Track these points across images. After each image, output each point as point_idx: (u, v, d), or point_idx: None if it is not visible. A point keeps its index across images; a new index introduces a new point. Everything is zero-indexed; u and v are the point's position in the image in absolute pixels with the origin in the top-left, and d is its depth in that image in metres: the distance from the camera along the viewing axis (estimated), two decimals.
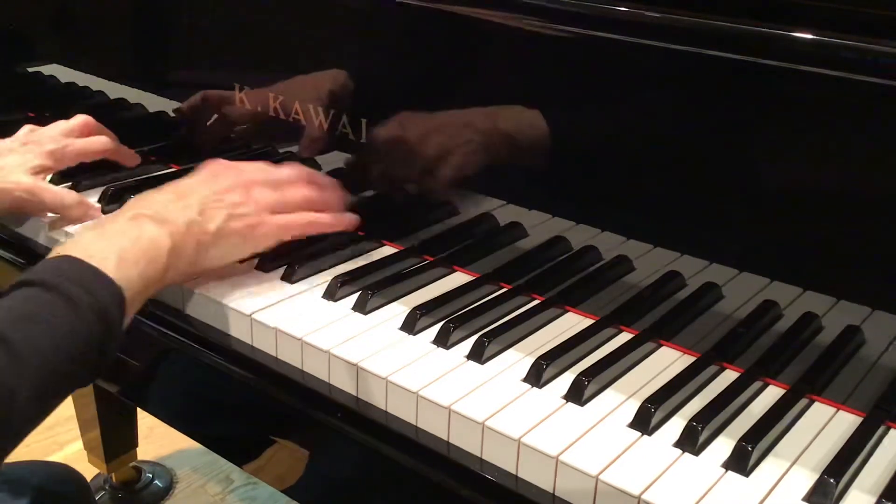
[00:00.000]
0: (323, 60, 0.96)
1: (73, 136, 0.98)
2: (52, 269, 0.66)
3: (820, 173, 0.70)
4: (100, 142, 0.99)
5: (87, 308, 0.63)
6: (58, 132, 0.98)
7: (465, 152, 0.87)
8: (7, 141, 0.96)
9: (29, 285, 0.63)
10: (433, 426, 0.67)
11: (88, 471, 1.59)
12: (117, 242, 0.69)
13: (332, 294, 0.79)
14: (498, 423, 0.63)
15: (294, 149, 1.01)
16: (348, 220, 0.86)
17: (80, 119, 1.00)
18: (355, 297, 0.79)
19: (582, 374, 0.68)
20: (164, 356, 0.85)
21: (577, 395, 0.67)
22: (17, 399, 0.58)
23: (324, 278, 0.82)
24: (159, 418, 0.94)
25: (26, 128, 0.98)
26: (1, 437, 0.59)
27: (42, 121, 1.21)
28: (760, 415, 0.65)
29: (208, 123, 1.07)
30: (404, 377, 0.68)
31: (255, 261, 0.84)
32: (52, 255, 0.68)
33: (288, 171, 0.85)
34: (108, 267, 0.66)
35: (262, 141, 1.05)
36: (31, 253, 0.92)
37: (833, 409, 0.68)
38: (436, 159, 0.88)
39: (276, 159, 1.04)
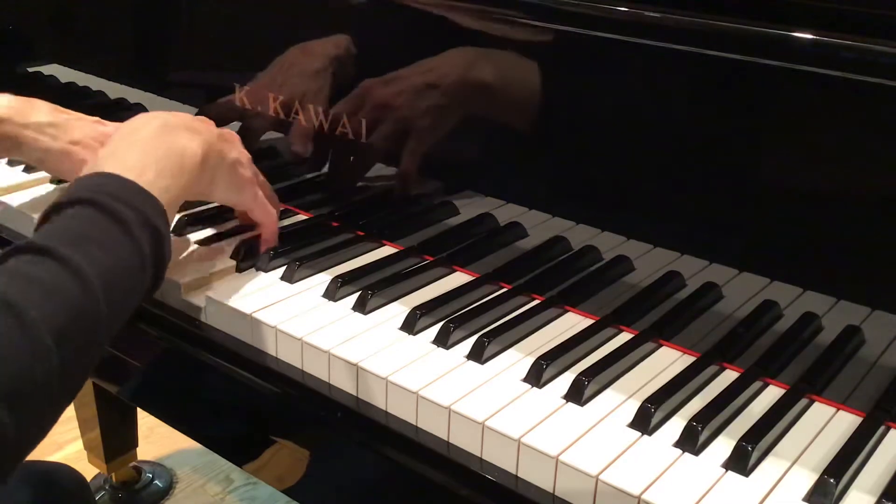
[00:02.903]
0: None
1: None
2: (95, 186, 0.65)
3: (820, 173, 0.70)
4: None
5: (136, 224, 0.63)
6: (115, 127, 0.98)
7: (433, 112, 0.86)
8: (76, 113, 0.94)
9: (76, 205, 0.63)
10: (433, 426, 0.67)
11: (88, 471, 1.59)
12: (151, 153, 0.69)
13: (332, 294, 0.79)
14: (498, 423, 0.63)
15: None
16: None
17: None
18: (355, 297, 0.79)
19: (582, 374, 0.68)
20: (163, 356, 0.85)
21: (577, 395, 0.67)
22: (100, 321, 0.59)
23: (324, 278, 0.82)
24: (159, 418, 0.94)
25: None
26: (89, 353, 0.59)
27: None
28: (760, 415, 0.65)
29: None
30: (404, 377, 0.68)
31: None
32: (87, 170, 0.67)
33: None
34: (146, 179, 0.66)
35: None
36: None
37: (833, 409, 0.68)
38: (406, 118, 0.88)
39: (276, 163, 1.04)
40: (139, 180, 0.66)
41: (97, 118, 0.94)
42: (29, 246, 0.59)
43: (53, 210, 0.63)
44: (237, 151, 0.82)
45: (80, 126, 0.90)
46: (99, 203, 0.63)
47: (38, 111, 0.89)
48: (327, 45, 0.92)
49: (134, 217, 0.63)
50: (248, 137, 1.02)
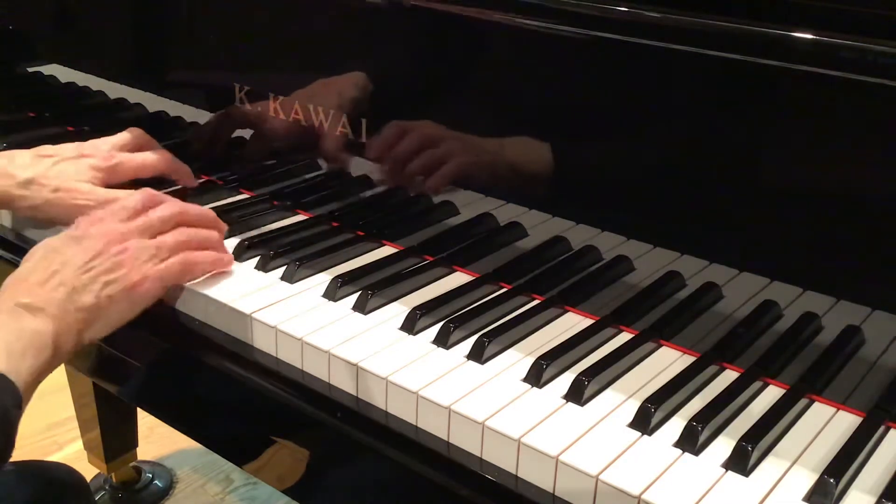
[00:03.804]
0: (326, 60, 0.96)
1: (125, 150, 0.96)
2: None
3: (820, 173, 0.70)
4: (155, 158, 0.97)
5: None
6: (110, 146, 0.96)
7: (463, 166, 0.89)
8: (57, 149, 0.93)
9: None
10: (433, 426, 0.67)
11: (88, 471, 1.59)
12: (1, 338, 0.68)
13: (332, 294, 0.79)
14: (498, 423, 0.63)
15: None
16: (227, 258, 0.84)
17: (132, 132, 0.98)
18: (355, 297, 0.79)
19: (582, 374, 0.68)
20: (163, 356, 0.85)
21: (577, 395, 0.67)
22: None
23: (324, 278, 0.82)
24: (159, 418, 0.94)
25: (72, 144, 0.96)
26: None
27: (43, 121, 1.21)
28: (760, 415, 0.65)
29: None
30: (404, 377, 0.68)
31: (256, 260, 0.84)
32: None
33: (161, 212, 0.82)
34: None
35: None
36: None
37: (833, 409, 0.68)
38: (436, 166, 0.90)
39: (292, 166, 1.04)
40: None
41: (81, 150, 0.93)
42: None
43: None
44: (96, 283, 0.74)
45: (62, 169, 0.90)
46: None
47: (20, 167, 0.89)
48: (347, 85, 0.93)
49: None
50: (261, 141, 1.03)
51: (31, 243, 0.93)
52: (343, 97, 0.93)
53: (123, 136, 0.97)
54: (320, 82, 0.95)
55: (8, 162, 0.89)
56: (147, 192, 0.84)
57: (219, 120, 1.06)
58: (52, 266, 0.75)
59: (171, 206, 0.83)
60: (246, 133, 1.05)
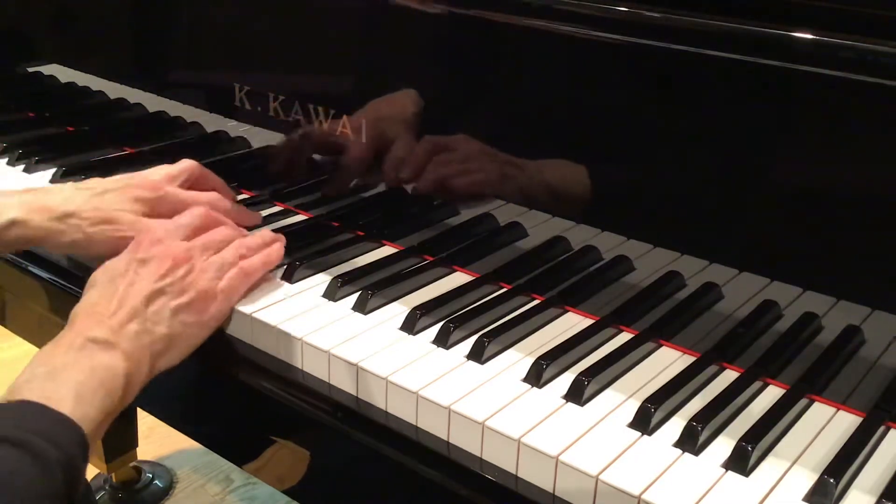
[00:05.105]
0: (327, 59, 0.96)
1: (174, 183, 0.90)
2: (17, 419, 0.62)
3: (820, 173, 0.70)
4: (204, 202, 0.88)
5: (55, 463, 0.60)
6: (159, 178, 0.90)
7: (500, 182, 0.87)
8: (101, 180, 0.88)
9: (2, 444, 0.60)
10: (433, 426, 0.67)
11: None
12: (72, 377, 0.66)
13: (332, 294, 0.79)
14: (498, 423, 0.63)
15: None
16: (276, 250, 0.82)
17: (188, 165, 0.91)
18: (355, 297, 0.79)
19: (582, 374, 0.68)
20: None
21: (577, 395, 0.67)
22: None
23: (324, 278, 0.82)
24: (159, 418, 0.95)
25: (122, 175, 0.90)
26: None
27: (43, 121, 1.21)
28: (760, 415, 0.65)
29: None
30: (404, 377, 0.68)
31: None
32: (8, 398, 0.65)
33: (221, 234, 0.81)
34: (66, 407, 0.63)
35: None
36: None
37: (833, 409, 0.68)
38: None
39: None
40: (59, 408, 0.63)
41: (128, 181, 0.88)
42: None
43: None
44: (167, 308, 0.73)
45: (103, 200, 0.85)
46: (22, 443, 0.60)
47: (55, 203, 0.83)
48: (407, 104, 0.89)
49: (55, 455, 0.61)
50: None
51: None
52: (406, 113, 0.89)
53: (177, 168, 0.91)
54: (374, 103, 0.91)
55: (45, 195, 0.85)
56: (205, 210, 0.82)
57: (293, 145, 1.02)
58: (118, 293, 0.72)
59: (229, 230, 0.82)
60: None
